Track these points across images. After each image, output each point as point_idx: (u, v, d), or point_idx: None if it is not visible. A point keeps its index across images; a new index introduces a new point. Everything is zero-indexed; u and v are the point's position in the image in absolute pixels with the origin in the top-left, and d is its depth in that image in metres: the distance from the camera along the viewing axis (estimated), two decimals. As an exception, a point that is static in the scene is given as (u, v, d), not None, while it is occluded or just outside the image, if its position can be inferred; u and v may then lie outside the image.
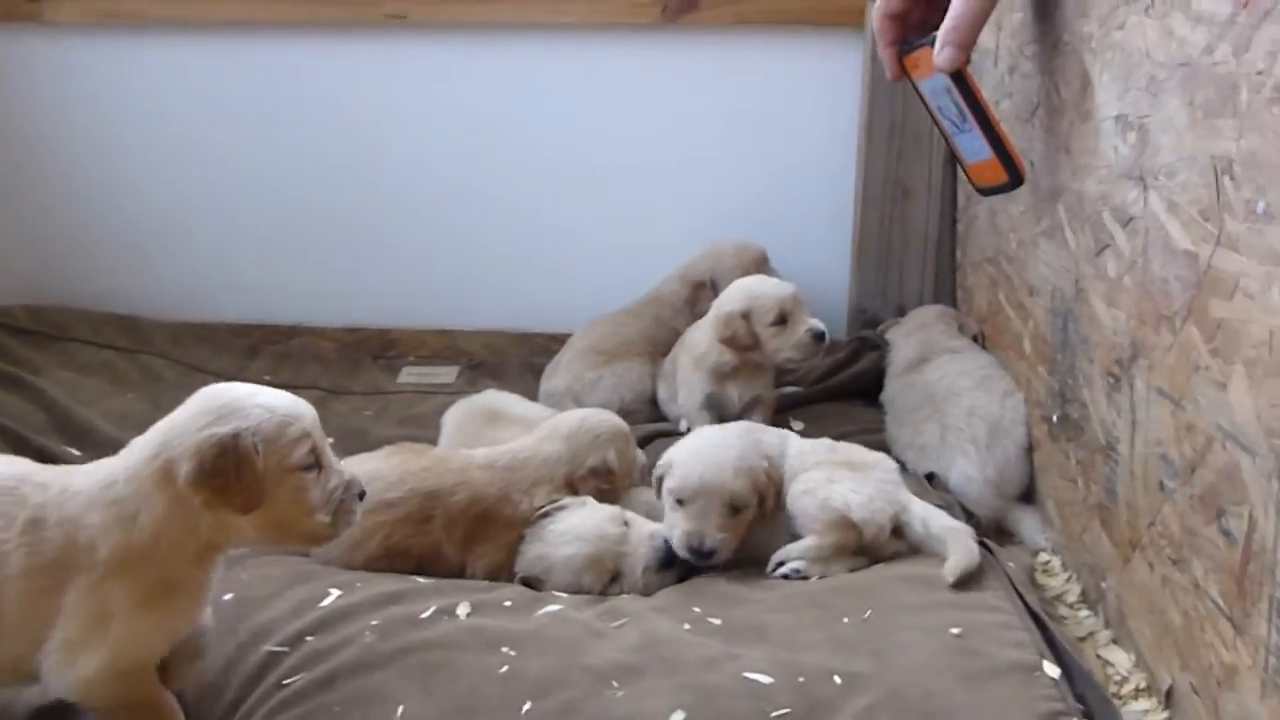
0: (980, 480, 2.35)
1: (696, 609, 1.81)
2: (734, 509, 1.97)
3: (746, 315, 2.51)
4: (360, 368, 3.24)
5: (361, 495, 1.59)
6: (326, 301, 3.43)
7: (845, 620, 1.72)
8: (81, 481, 1.49)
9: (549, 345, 3.15)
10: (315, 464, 1.52)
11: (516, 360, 3.24)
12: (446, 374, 3.19)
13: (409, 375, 3.19)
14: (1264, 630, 1.39)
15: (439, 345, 3.38)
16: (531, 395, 2.83)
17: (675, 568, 1.95)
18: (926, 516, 1.95)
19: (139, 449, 1.48)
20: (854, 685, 1.55)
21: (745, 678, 1.57)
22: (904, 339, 2.78)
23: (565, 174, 3.30)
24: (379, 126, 3.29)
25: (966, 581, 1.84)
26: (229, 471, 1.42)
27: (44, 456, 2.45)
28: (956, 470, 2.38)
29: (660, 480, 2.03)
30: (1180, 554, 1.64)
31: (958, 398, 2.47)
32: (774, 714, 1.50)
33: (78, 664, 1.46)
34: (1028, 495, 2.41)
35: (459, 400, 2.63)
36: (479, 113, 3.26)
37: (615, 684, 1.58)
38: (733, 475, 1.97)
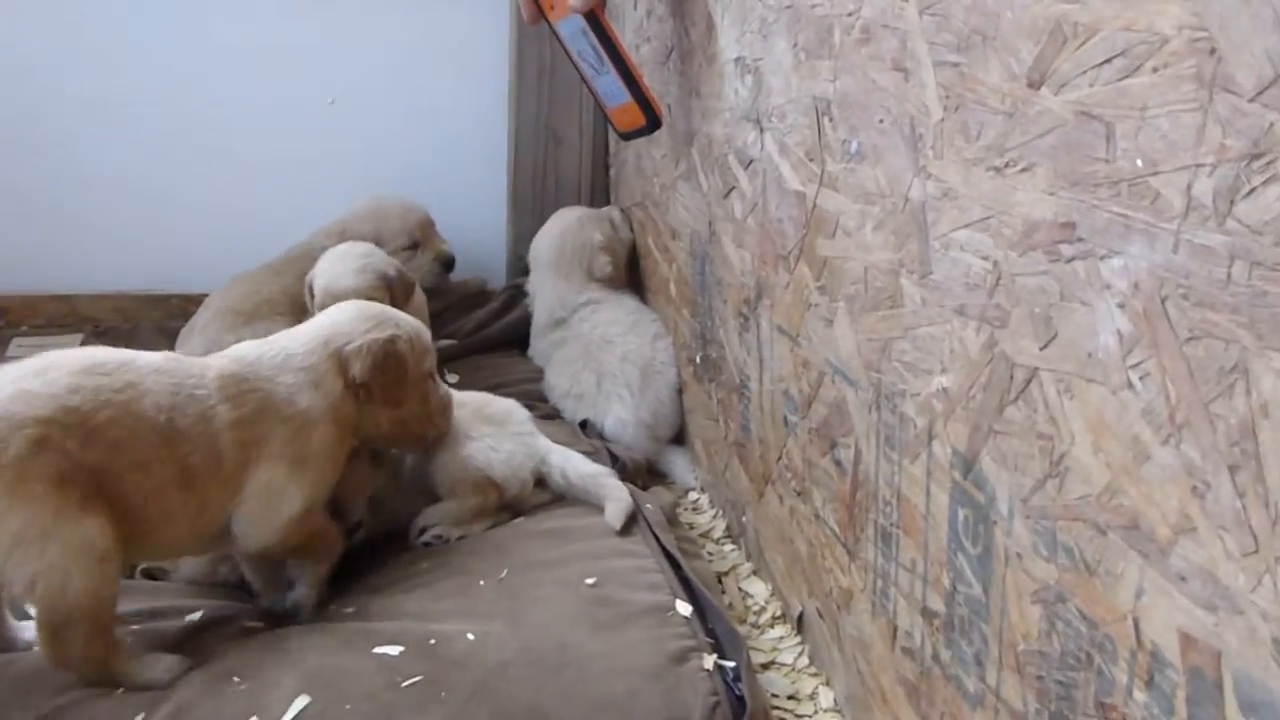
0: (634, 423, 2.37)
1: (332, 605, 1.73)
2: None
3: (378, 242, 2.41)
4: (-41, 341, 2.85)
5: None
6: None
7: (481, 583, 1.67)
8: (252, 352, 1.65)
9: (186, 307, 2.88)
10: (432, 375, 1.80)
11: (149, 325, 2.96)
12: (67, 344, 2.85)
13: (21, 348, 2.83)
14: (872, 555, 1.45)
15: (58, 312, 3.02)
16: (165, 362, 2.59)
17: None
18: (565, 465, 1.92)
19: (303, 337, 1.68)
20: (487, 643, 1.50)
21: (374, 654, 1.49)
22: (541, 289, 2.74)
23: (197, 124, 3.02)
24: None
25: (585, 533, 1.84)
26: (391, 369, 1.69)
27: None
28: (612, 416, 2.38)
29: None
30: (803, 485, 1.69)
31: (610, 345, 2.47)
32: (405, 683, 1.43)
33: (282, 504, 1.60)
34: (680, 437, 2.46)
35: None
36: (92, 57, 2.93)
37: (236, 679, 1.46)
38: None
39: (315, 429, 1.62)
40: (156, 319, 3.01)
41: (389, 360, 1.68)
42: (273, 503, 1.59)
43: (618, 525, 1.82)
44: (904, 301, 1.28)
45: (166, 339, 2.76)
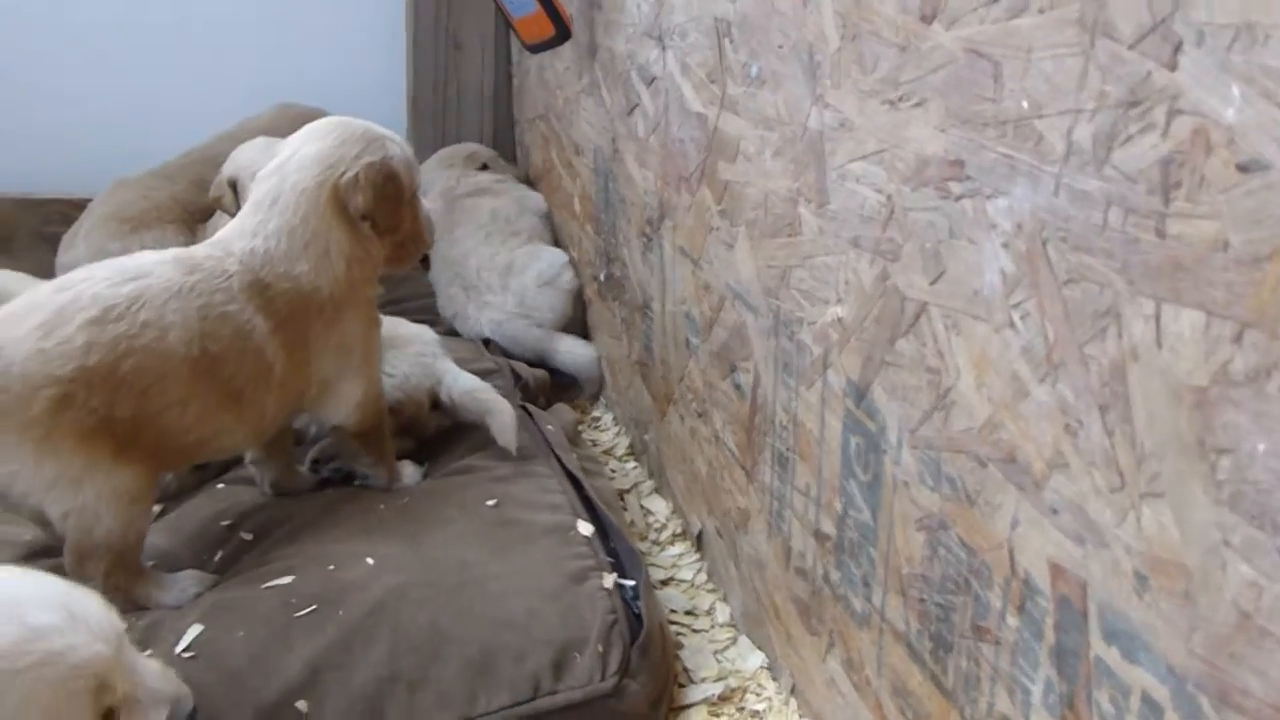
0: (506, 317, 2.37)
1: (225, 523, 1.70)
2: None
3: (234, 183, 2.21)
4: None
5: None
6: None
7: (382, 507, 1.66)
8: (251, 242, 1.54)
9: (67, 212, 2.75)
10: None
11: (27, 230, 2.81)
12: (-61, 253, 2.73)
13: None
14: (768, 477, 1.48)
15: (-78, 217, 2.87)
16: (47, 271, 2.48)
17: None
18: (453, 384, 1.89)
19: (295, 187, 1.55)
20: (385, 565, 1.50)
21: (268, 586, 1.48)
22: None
23: (82, 18, 2.89)
24: None
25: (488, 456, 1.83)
26: (390, 194, 1.60)
27: None
28: (487, 323, 2.39)
29: None
30: (704, 407, 1.71)
31: (467, 259, 2.45)
32: (301, 613, 1.43)
33: (342, 394, 1.65)
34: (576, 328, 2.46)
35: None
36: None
37: (134, 619, 1.44)
38: None
39: (345, 316, 1.60)
40: (34, 225, 2.86)
41: (388, 185, 1.60)
42: (335, 398, 1.65)
43: (504, 439, 1.79)
44: (802, 230, 1.28)
45: (48, 245, 2.65)
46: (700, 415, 1.73)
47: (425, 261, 2.68)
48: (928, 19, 0.97)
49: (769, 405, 1.45)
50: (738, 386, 1.56)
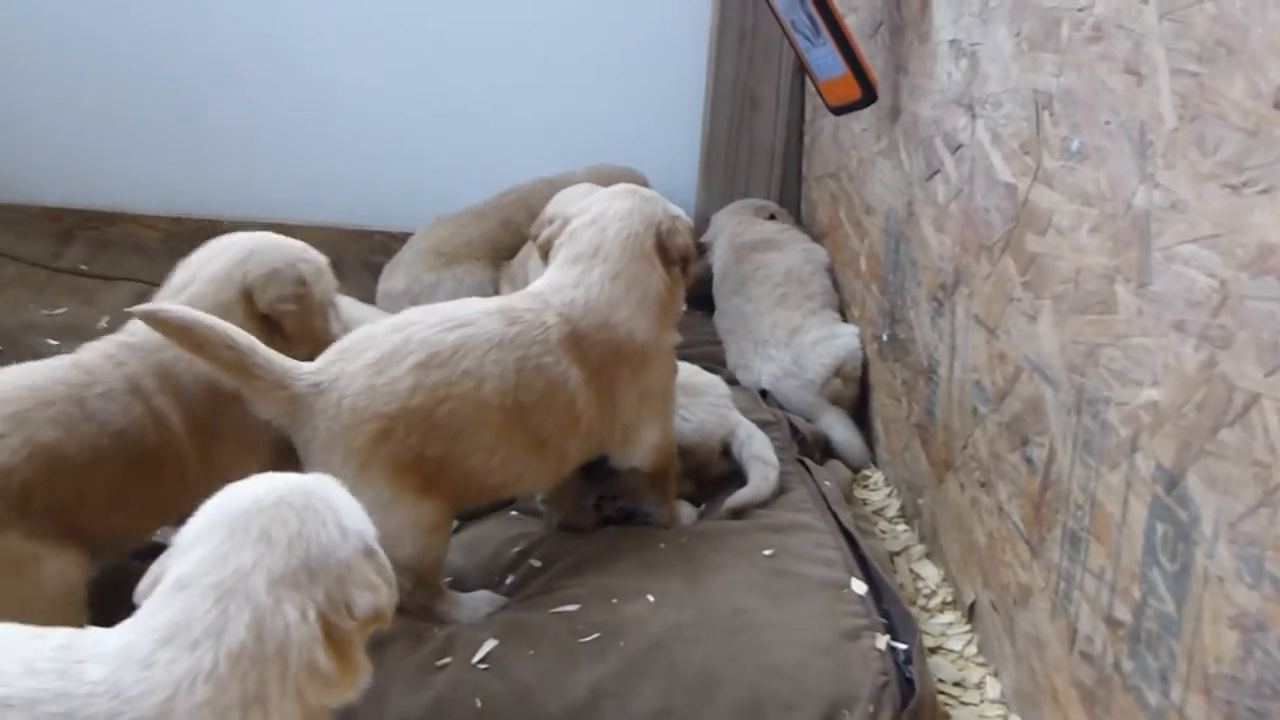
0: (783, 373, 2.41)
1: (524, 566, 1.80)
2: None
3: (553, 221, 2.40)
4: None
5: None
6: (150, 187, 3.22)
7: (662, 546, 1.73)
8: (571, 294, 1.65)
9: (389, 244, 3.04)
10: None
11: (354, 258, 3.10)
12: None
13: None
14: (1057, 556, 1.45)
15: (268, 241, 3.22)
16: (369, 296, 2.73)
17: None
18: (747, 440, 1.95)
19: (619, 234, 1.68)
20: (665, 603, 1.57)
21: (554, 611, 1.57)
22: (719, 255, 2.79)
23: (408, 66, 3.17)
24: (216, 3, 3.08)
25: (765, 505, 1.88)
26: (693, 241, 1.77)
27: None
28: (767, 376, 2.44)
29: None
30: (988, 477, 1.69)
31: (762, 317, 2.51)
32: (585, 639, 1.50)
33: (643, 438, 1.73)
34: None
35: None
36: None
37: (436, 629, 1.56)
38: None
39: (651, 364, 1.69)
40: (360, 253, 3.16)
41: (692, 234, 1.77)
42: (635, 442, 1.72)
43: (727, 505, 1.86)
44: (1118, 309, 1.26)
45: (370, 273, 2.91)
46: (983, 485, 1.71)
47: (701, 306, 2.77)
48: (1281, 105, 0.95)
49: (1063, 482, 1.42)
50: (1029, 460, 1.54)
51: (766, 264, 2.60)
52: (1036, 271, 1.48)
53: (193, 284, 1.63)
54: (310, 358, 1.54)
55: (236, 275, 1.62)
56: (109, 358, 1.55)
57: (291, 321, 1.64)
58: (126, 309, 1.52)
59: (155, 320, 1.41)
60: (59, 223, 3.14)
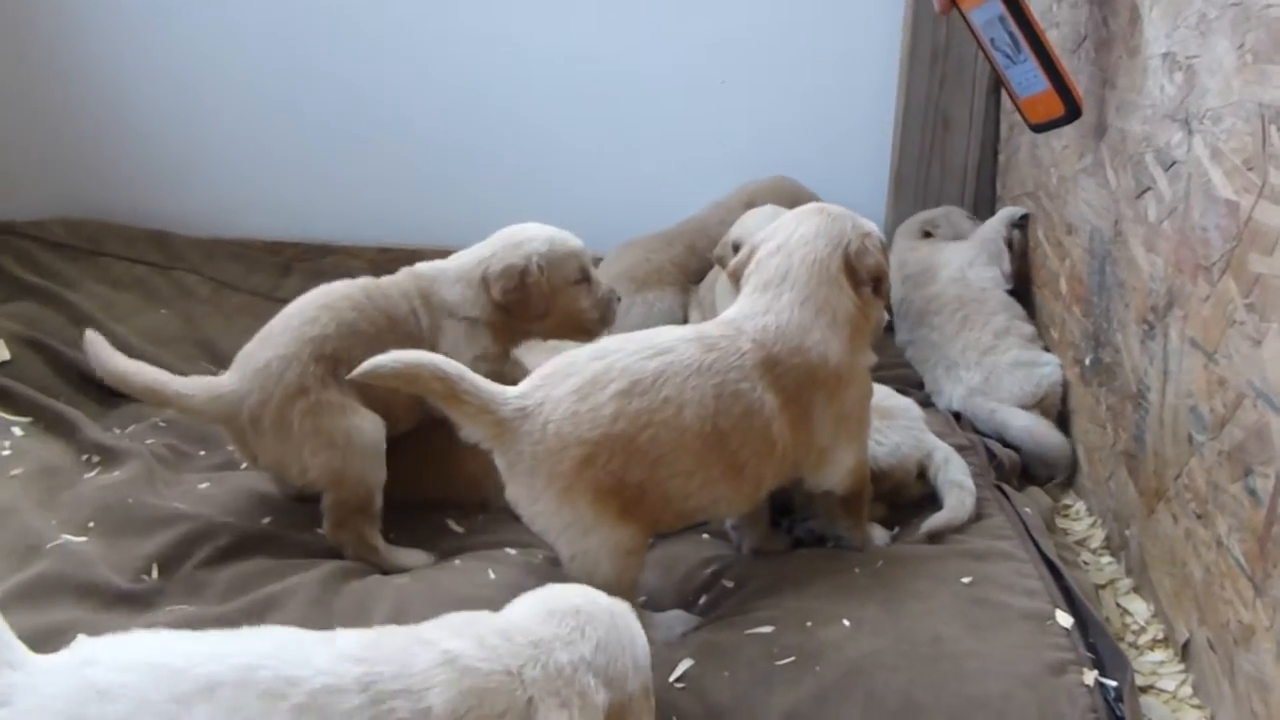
0: (968, 392, 2.40)
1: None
2: None
3: (738, 245, 2.41)
4: (391, 288, 3.23)
5: None
6: (359, 221, 3.43)
7: (857, 570, 1.71)
8: (762, 320, 1.66)
9: (584, 268, 3.12)
10: None
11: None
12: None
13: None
14: (1284, 593, 1.37)
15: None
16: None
17: None
18: (943, 464, 1.92)
19: (805, 260, 1.68)
20: (861, 628, 1.55)
21: (749, 632, 1.58)
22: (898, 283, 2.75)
23: (596, 94, 3.26)
24: (412, 48, 3.26)
25: (961, 530, 1.85)
26: (885, 260, 1.74)
27: (76, 372, 2.48)
28: (958, 397, 2.42)
29: None
30: (1205, 509, 1.61)
31: (952, 342, 2.50)
32: (780, 662, 1.50)
33: (838, 461, 1.72)
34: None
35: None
36: (508, 32, 3.23)
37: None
38: None
39: (846, 386, 1.68)
40: (553, 279, 3.25)
41: (883, 252, 1.74)
42: (830, 465, 1.72)
43: (923, 529, 1.85)
44: (1355, 332, 1.19)
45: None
46: (1200, 517, 1.63)
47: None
48: None
49: (1292, 516, 1.34)
50: (1252, 492, 1.46)
51: (936, 295, 2.60)
52: (1262, 293, 1.41)
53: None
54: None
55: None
56: (396, 284, 2.09)
57: None
58: (347, 374, 1.67)
59: (375, 375, 1.50)
60: (278, 255, 3.37)
